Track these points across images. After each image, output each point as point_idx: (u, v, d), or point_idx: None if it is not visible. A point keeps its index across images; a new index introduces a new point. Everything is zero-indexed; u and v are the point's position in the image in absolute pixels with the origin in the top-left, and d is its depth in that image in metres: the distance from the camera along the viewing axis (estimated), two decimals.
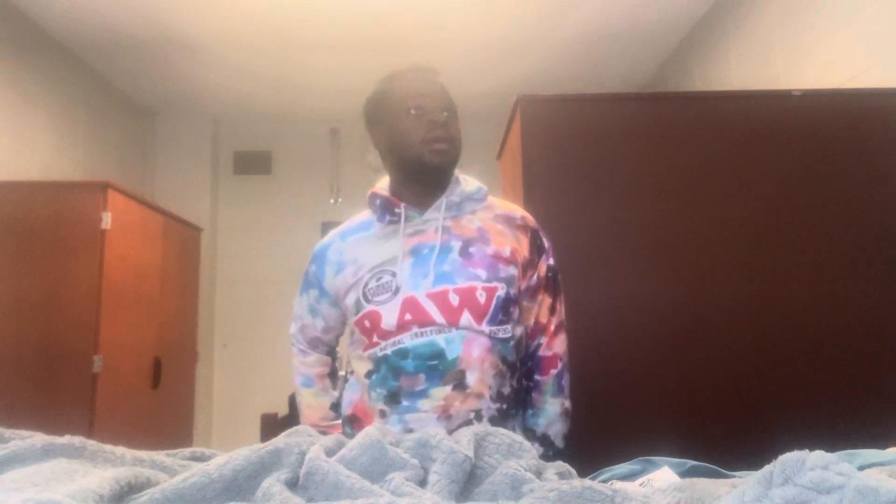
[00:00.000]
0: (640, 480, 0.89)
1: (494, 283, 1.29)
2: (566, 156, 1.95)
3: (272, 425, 2.53)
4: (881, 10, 2.15)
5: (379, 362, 1.29)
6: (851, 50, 2.29)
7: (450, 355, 1.24)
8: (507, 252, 1.33)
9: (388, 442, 0.80)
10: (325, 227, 1.35)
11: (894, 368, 1.83)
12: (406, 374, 1.25)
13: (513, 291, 1.31)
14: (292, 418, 2.47)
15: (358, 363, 1.35)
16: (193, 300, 4.33)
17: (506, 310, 1.30)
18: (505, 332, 1.29)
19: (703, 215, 1.92)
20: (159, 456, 0.83)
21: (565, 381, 1.39)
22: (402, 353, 1.26)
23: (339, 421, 1.43)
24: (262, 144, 5.00)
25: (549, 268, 1.40)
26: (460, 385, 1.24)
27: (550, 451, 1.35)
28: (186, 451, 0.90)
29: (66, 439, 0.79)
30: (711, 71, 3.44)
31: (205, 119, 4.87)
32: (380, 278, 1.31)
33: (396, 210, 1.35)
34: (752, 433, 1.73)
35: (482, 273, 1.29)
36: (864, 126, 1.95)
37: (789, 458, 0.61)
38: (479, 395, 1.26)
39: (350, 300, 1.34)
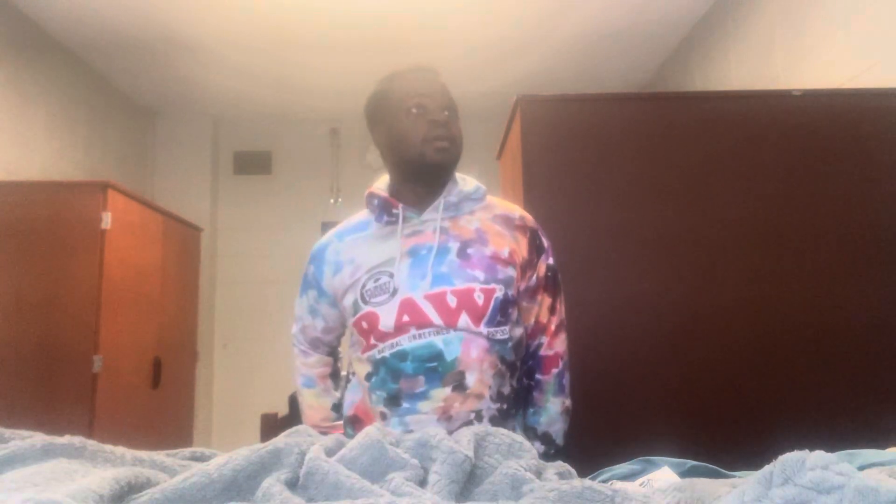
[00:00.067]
0: (640, 480, 0.89)
1: (492, 285, 1.28)
2: (566, 156, 1.95)
3: (272, 425, 2.53)
4: (881, 10, 2.15)
5: (377, 364, 1.29)
6: (851, 50, 2.29)
7: (448, 357, 1.24)
8: (505, 253, 1.32)
9: (388, 442, 0.80)
10: (325, 227, 1.35)
11: (894, 368, 1.83)
12: (405, 377, 1.25)
13: (511, 293, 1.31)
14: (292, 418, 2.47)
15: (357, 365, 1.35)
16: (193, 300, 4.33)
17: (504, 311, 1.29)
18: (503, 333, 1.29)
19: (703, 215, 1.92)
20: (159, 456, 0.83)
21: (566, 381, 1.39)
22: (401, 356, 1.26)
23: (341, 422, 1.43)
24: (262, 144, 5.00)
25: (548, 267, 1.40)
26: (460, 386, 1.24)
27: (552, 450, 1.35)
28: (186, 451, 0.90)
29: (66, 439, 0.79)
30: (711, 71, 3.44)
31: (205, 119, 4.87)
32: (377, 279, 1.30)
33: (394, 210, 1.35)
34: (752, 433, 1.73)
35: (480, 275, 1.29)
36: (864, 126, 1.95)
37: (789, 458, 0.61)
38: (479, 396, 1.25)
39: (348, 301, 1.34)
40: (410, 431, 1.19)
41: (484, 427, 0.87)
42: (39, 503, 0.57)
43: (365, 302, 1.30)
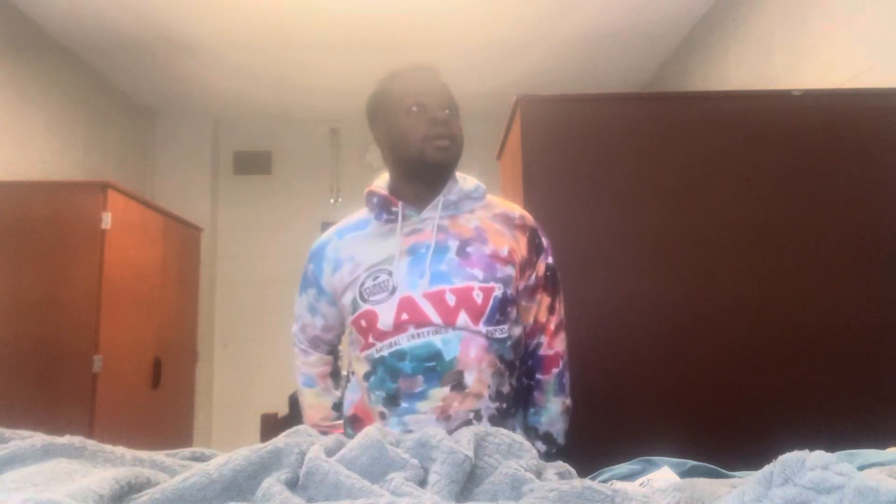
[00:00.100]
0: (640, 480, 0.89)
1: (491, 284, 1.28)
2: (566, 156, 1.95)
3: (272, 425, 2.53)
4: (881, 10, 2.15)
5: (375, 364, 1.28)
6: (851, 50, 2.29)
7: (447, 356, 1.24)
8: (504, 252, 1.32)
9: (388, 442, 0.80)
10: (325, 227, 1.35)
11: (894, 368, 1.83)
12: (404, 376, 1.25)
13: (510, 292, 1.31)
14: (292, 418, 2.47)
15: (356, 364, 1.35)
16: (193, 300, 4.33)
17: (503, 310, 1.29)
18: (502, 332, 1.29)
19: (703, 215, 1.92)
20: (159, 456, 0.83)
21: (566, 380, 1.39)
22: (399, 355, 1.26)
23: (341, 421, 1.43)
24: (262, 144, 5.00)
25: (547, 267, 1.40)
26: (459, 385, 1.24)
27: (554, 449, 1.36)
28: (186, 451, 0.90)
29: (66, 439, 0.79)
30: (711, 71, 3.44)
31: (205, 119, 4.87)
32: (376, 277, 1.30)
33: (394, 208, 1.35)
34: (752, 433, 1.73)
35: (479, 273, 1.29)
36: (864, 126, 1.95)
37: (789, 458, 0.61)
38: (478, 395, 1.25)
39: (347, 299, 1.34)
40: (410, 431, 1.19)
41: (484, 427, 0.87)
42: (39, 503, 0.57)
43: (364, 300, 1.30)
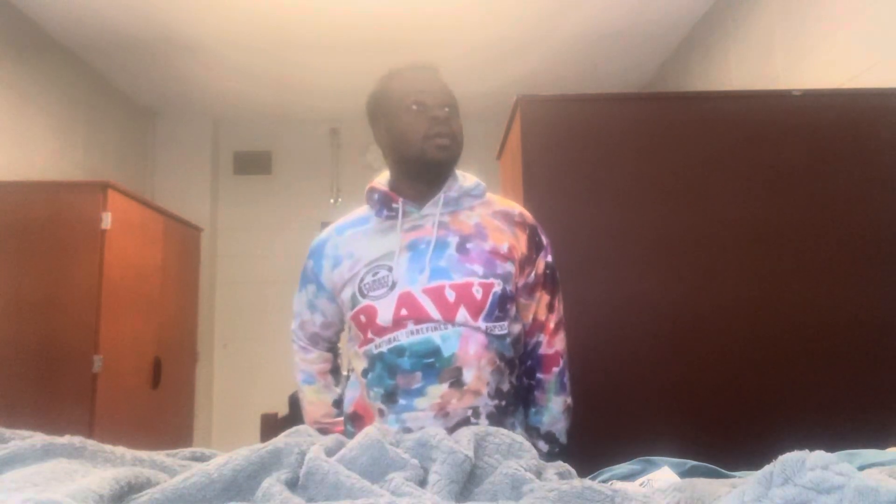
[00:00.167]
0: (640, 480, 0.89)
1: (491, 280, 1.28)
2: (566, 156, 1.95)
3: (272, 425, 2.53)
4: (881, 10, 2.15)
5: (374, 360, 1.28)
6: (851, 50, 2.29)
7: (446, 352, 1.24)
8: (504, 248, 1.33)
9: (388, 442, 0.80)
10: (325, 227, 1.35)
11: (894, 368, 1.83)
12: (402, 372, 1.25)
13: (509, 288, 1.31)
14: (292, 418, 2.47)
15: (355, 360, 1.35)
16: (193, 300, 4.33)
17: (502, 306, 1.29)
18: (501, 328, 1.29)
19: (703, 215, 1.92)
20: (159, 456, 0.83)
21: (566, 379, 1.40)
22: (398, 351, 1.26)
23: (342, 418, 1.43)
24: (262, 144, 5.00)
25: (547, 265, 1.40)
26: (457, 382, 1.24)
27: (556, 448, 1.36)
28: (186, 451, 0.90)
29: (66, 439, 0.79)
30: (711, 71, 3.44)
31: (205, 119, 4.87)
32: (376, 273, 1.30)
33: (394, 205, 1.35)
34: (752, 433, 1.73)
35: (479, 269, 1.29)
36: (864, 126, 1.95)
37: (789, 458, 0.61)
38: (477, 392, 1.25)
39: (346, 295, 1.34)
40: (408, 428, 1.19)
41: (484, 427, 0.87)
42: (39, 503, 0.57)
43: (363, 295, 1.30)
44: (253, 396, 4.32)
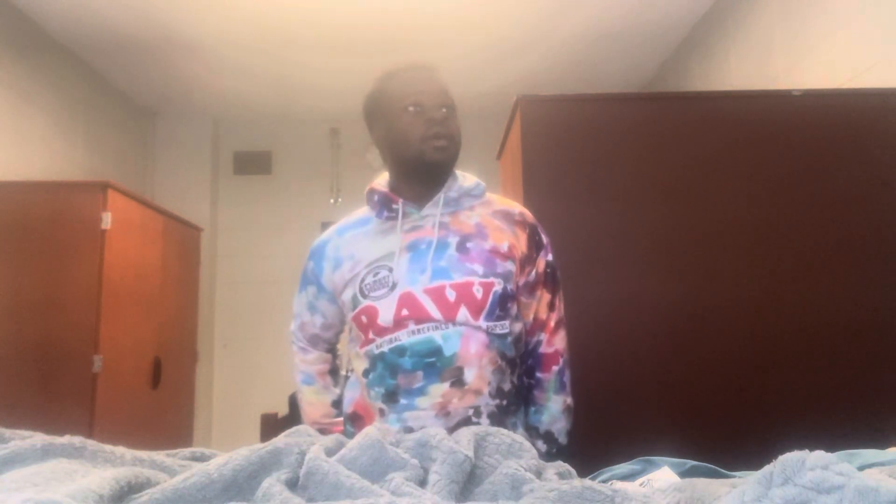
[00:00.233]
0: (640, 480, 0.89)
1: (491, 279, 1.28)
2: (566, 156, 1.95)
3: (272, 425, 2.53)
4: (881, 10, 2.15)
5: (375, 360, 1.28)
6: (851, 50, 2.29)
7: (447, 352, 1.24)
8: (504, 247, 1.33)
9: (388, 442, 0.80)
10: (325, 227, 1.35)
11: (894, 368, 1.83)
12: (404, 372, 1.25)
13: (510, 287, 1.31)
14: (292, 418, 2.47)
15: (355, 361, 1.35)
16: (193, 300, 4.33)
17: (503, 305, 1.29)
18: (503, 327, 1.29)
19: (703, 215, 1.92)
20: (159, 456, 0.83)
21: (567, 378, 1.39)
22: (400, 351, 1.26)
23: (341, 418, 1.43)
24: (262, 144, 5.00)
25: (547, 264, 1.40)
26: (458, 382, 1.24)
27: (554, 448, 1.35)
28: (186, 451, 0.90)
29: (66, 439, 0.79)
30: (711, 71, 3.44)
31: (205, 119, 4.87)
32: (377, 273, 1.30)
33: (394, 206, 1.35)
34: (752, 433, 1.73)
35: (479, 268, 1.29)
36: (864, 126, 1.95)
37: (789, 458, 0.61)
38: (478, 392, 1.25)
39: (347, 296, 1.34)
40: (409, 428, 1.19)
41: (484, 427, 0.87)
42: (39, 503, 0.57)
43: (364, 296, 1.30)
44: (253, 396, 4.32)
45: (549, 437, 1.36)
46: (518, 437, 0.84)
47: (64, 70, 3.79)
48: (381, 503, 0.64)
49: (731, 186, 1.93)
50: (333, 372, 1.53)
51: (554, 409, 1.37)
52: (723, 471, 0.95)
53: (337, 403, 1.48)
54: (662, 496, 0.75)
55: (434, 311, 1.25)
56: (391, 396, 1.26)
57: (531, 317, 1.38)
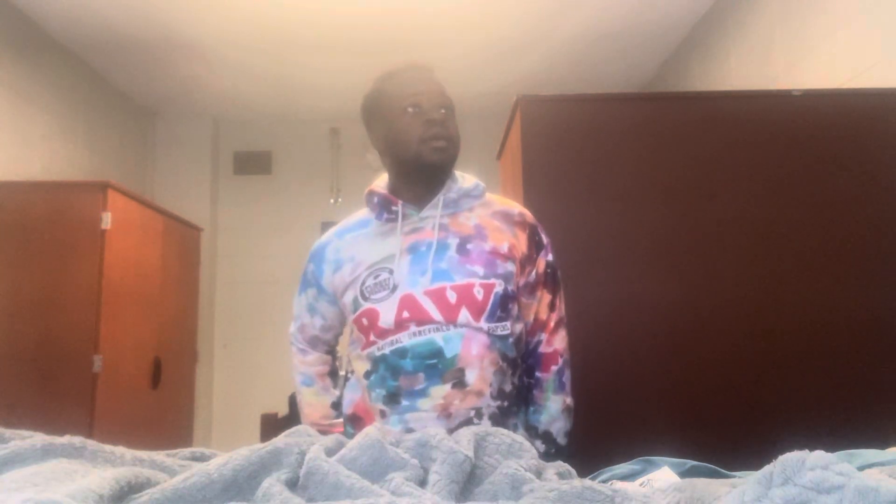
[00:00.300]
0: (640, 480, 0.89)
1: (492, 280, 1.28)
2: (566, 156, 1.95)
3: (272, 425, 2.53)
4: (881, 10, 2.15)
5: (377, 362, 1.28)
6: (851, 50, 2.29)
7: (448, 353, 1.24)
8: (504, 248, 1.32)
9: (388, 442, 0.80)
10: (325, 226, 1.36)
11: (894, 368, 1.83)
12: (405, 374, 1.25)
13: (511, 288, 1.31)
14: (292, 418, 2.47)
15: (357, 363, 1.35)
16: (193, 300, 4.33)
17: (504, 306, 1.29)
18: (504, 328, 1.29)
19: (703, 215, 1.92)
20: (159, 456, 0.83)
21: (566, 378, 1.39)
22: (401, 353, 1.26)
23: (341, 420, 1.43)
24: (262, 144, 5.00)
25: (547, 264, 1.40)
26: (460, 383, 1.24)
27: (552, 449, 1.35)
28: (186, 451, 0.90)
29: (66, 439, 0.79)
30: (711, 71, 3.44)
31: (205, 119, 4.87)
32: (377, 276, 1.30)
33: (394, 208, 1.35)
34: (752, 433, 1.73)
35: (479, 270, 1.29)
36: (864, 126, 1.95)
37: (789, 458, 0.61)
38: (479, 393, 1.25)
39: (348, 298, 1.34)
40: (410, 429, 1.19)
41: (484, 427, 0.87)
42: (39, 503, 0.57)
43: (365, 298, 1.30)
44: (253, 396, 4.32)
45: (547, 436, 1.36)
46: (518, 438, 0.84)
47: (64, 70, 3.79)
48: (381, 503, 0.64)
49: (731, 186, 1.93)
50: (333, 373, 1.53)
51: (553, 408, 1.36)
52: (723, 471, 0.95)
53: (336, 405, 1.48)
54: (662, 496, 0.75)
55: (435, 313, 1.25)
56: (392, 398, 1.26)
57: (531, 317, 1.38)
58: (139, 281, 3.47)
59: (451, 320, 1.25)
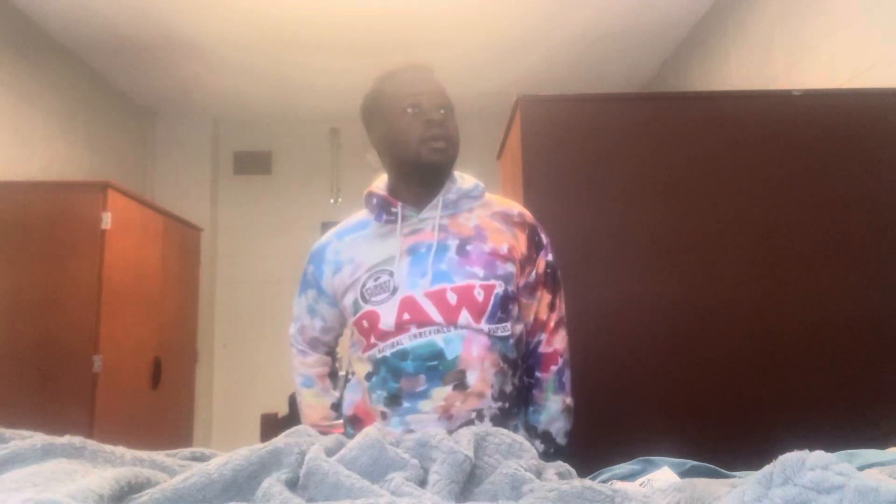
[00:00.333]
0: (640, 480, 0.89)
1: (492, 281, 1.28)
2: (566, 156, 1.95)
3: (272, 425, 2.53)
4: (881, 10, 2.15)
5: (378, 364, 1.28)
6: (851, 50, 2.29)
7: (449, 355, 1.24)
8: (504, 249, 1.32)
9: (388, 442, 0.80)
10: (325, 227, 1.36)
11: (894, 368, 1.83)
12: (406, 376, 1.25)
13: (511, 289, 1.31)
14: (292, 418, 2.47)
15: (357, 364, 1.35)
16: (193, 300, 4.33)
17: (504, 307, 1.29)
18: (504, 329, 1.29)
19: (703, 215, 1.92)
20: (159, 456, 0.83)
21: (566, 378, 1.39)
22: (402, 355, 1.26)
23: (341, 421, 1.43)
24: (262, 144, 5.00)
25: (547, 264, 1.40)
26: (461, 385, 1.24)
27: (552, 449, 1.35)
28: (186, 451, 0.90)
29: (66, 439, 0.79)
30: (711, 71, 3.44)
31: (205, 119, 4.87)
32: (377, 278, 1.30)
33: (393, 209, 1.35)
34: (752, 433, 1.73)
35: (479, 271, 1.28)
36: (864, 126, 1.95)
37: (789, 458, 0.61)
38: (481, 395, 1.25)
39: (348, 300, 1.34)
40: (411, 431, 1.19)
41: (484, 427, 0.87)
42: (39, 503, 0.57)
43: (365, 301, 1.30)
44: (253, 396, 4.32)
45: (546, 436, 1.36)
46: (518, 438, 0.84)
47: (64, 70, 3.79)
48: (381, 503, 0.64)
49: (731, 186, 1.93)
50: (333, 375, 1.53)
51: (552, 408, 1.36)
52: (723, 471, 0.95)
53: (336, 406, 1.48)
54: (662, 496, 0.75)
55: (435, 315, 1.25)
56: (394, 400, 1.26)
57: (531, 317, 1.38)
58: (139, 281, 3.47)
59: (451, 322, 1.25)
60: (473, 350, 1.25)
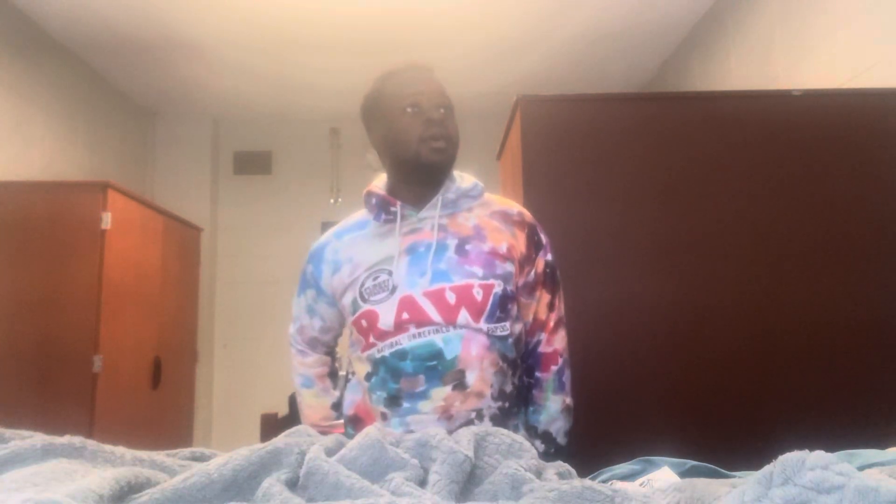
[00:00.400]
0: (640, 480, 0.89)
1: (491, 281, 1.28)
2: (566, 156, 1.95)
3: (272, 425, 2.53)
4: (881, 10, 2.15)
5: (377, 364, 1.28)
6: (851, 50, 2.29)
7: (448, 355, 1.24)
8: (503, 248, 1.32)
9: (388, 442, 0.80)
10: (325, 226, 1.36)
11: (894, 368, 1.83)
12: (405, 376, 1.25)
13: (510, 288, 1.31)
14: (292, 418, 2.47)
15: (357, 364, 1.35)
16: (193, 300, 4.33)
17: (503, 307, 1.29)
18: (503, 329, 1.29)
19: (703, 215, 1.92)
20: (159, 456, 0.83)
21: (566, 378, 1.39)
22: (401, 355, 1.25)
23: (341, 421, 1.43)
24: (262, 144, 5.00)
25: (546, 263, 1.40)
26: (460, 385, 1.24)
27: (552, 449, 1.35)
28: (186, 451, 0.90)
29: (66, 439, 0.79)
30: (711, 71, 3.44)
31: (205, 119, 4.87)
32: (376, 277, 1.30)
33: (392, 208, 1.34)
34: (752, 433, 1.73)
35: (478, 270, 1.28)
36: (864, 126, 1.95)
37: (789, 458, 0.61)
38: (480, 395, 1.25)
39: (347, 300, 1.34)
40: (411, 432, 1.19)
41: (484, 427, 0.87)
42: (39, 503, 0.57)
43: (364, 300, 1.30)
44: (253, 396, 4.32)
45: (546, 436, 1.36)
46: (518, 438, 0.84)
47: (64, 70, 3.79)
48: (381, 503, 0.64)
49: (731, 186, 1.93)
50: (332, 374, 1.53)
51: (552, 408, 1.36)
52: (723, 471, 0.95)
53: (336, 406, 1.48)
54: (662, 496, 0.75)
55: (434, 315, 1.25)
56: (394, 400, 1.26)
57: (531, 317, 1.38)
58: (139, 281, 3.47)
59: (450, 321, 1.25)
60: (472, 350, 1.25)
